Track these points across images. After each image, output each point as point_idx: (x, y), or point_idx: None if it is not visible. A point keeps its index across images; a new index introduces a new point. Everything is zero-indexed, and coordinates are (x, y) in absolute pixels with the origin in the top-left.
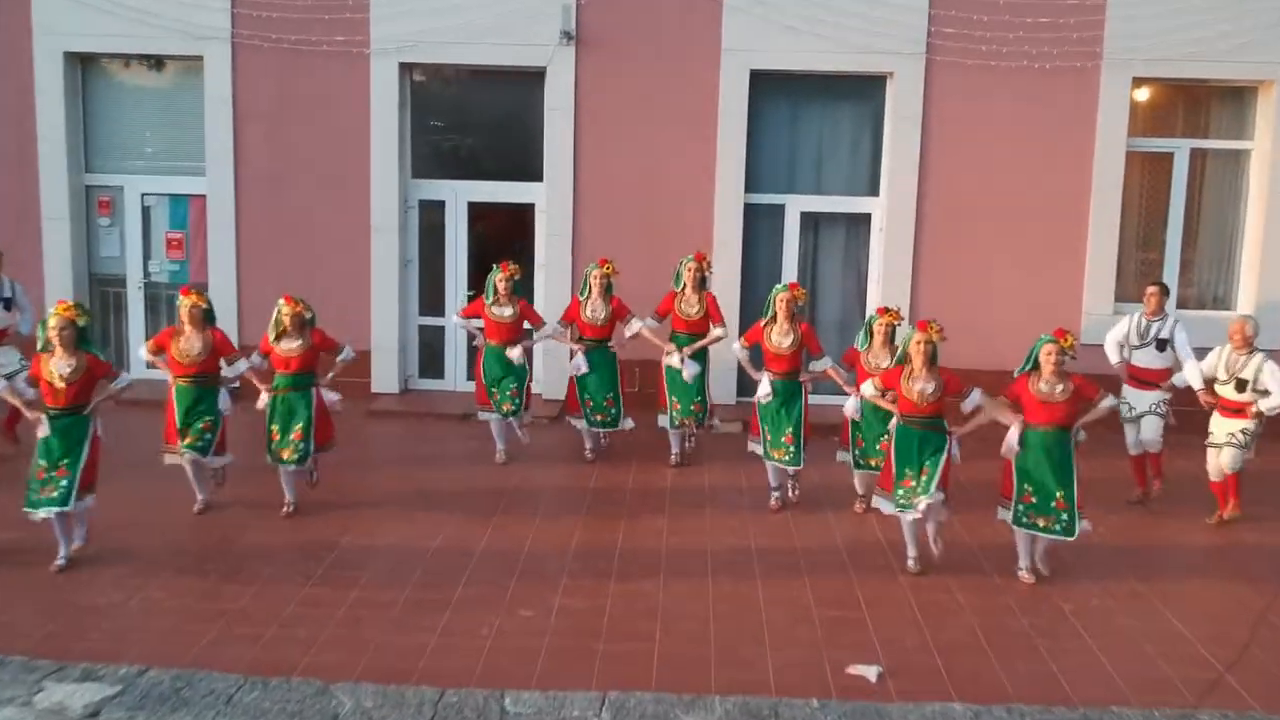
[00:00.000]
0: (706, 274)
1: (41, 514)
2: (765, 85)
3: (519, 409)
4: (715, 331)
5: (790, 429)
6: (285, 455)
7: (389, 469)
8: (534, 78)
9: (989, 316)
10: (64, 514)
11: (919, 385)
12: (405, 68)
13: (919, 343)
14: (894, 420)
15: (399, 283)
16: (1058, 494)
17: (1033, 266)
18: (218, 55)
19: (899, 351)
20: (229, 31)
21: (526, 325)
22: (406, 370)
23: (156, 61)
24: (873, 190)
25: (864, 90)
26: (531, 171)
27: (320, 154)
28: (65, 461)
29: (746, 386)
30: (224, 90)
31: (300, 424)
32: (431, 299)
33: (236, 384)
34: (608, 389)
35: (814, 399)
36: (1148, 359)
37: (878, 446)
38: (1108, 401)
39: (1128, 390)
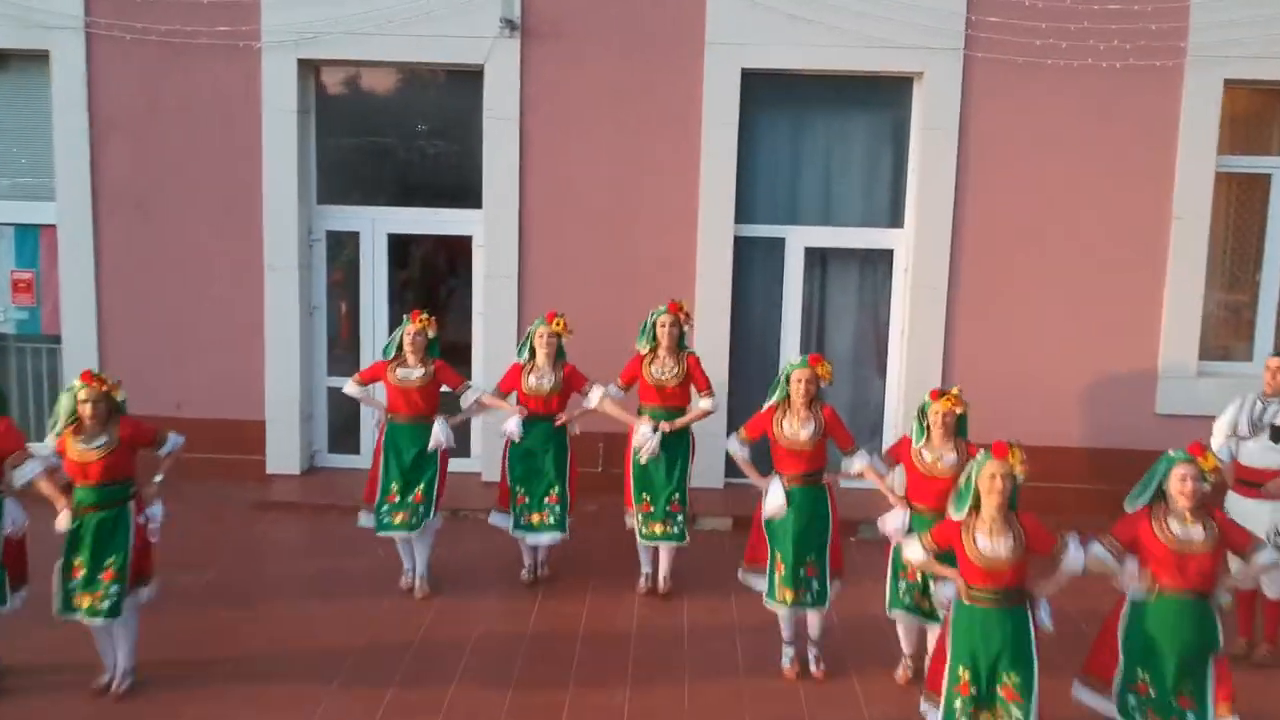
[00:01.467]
0: (685, 329)
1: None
2: (761, 88)
3: (422, 517)
4: (701, 404)
5: (813, 556)
6: (88, 603)
7: (263, 602)
8: (469, 78)
9: (1040, 379)
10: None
11: (992, 543)
12: (306, 65)
13: (994, 476)
14: (946, 585)
15: (301, 334)
16: (1184, 689)
17: (1097, 315)
18: (68, 49)
19: (965, 482)
20: (82, 20)
21: (444, 389)
22: (312, 444)
23: None
24: (895, 220)
25: (885, 95)
26: (467, 195)
27: (199, 173)
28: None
29: (737, 467)
30: (76, 94)
31: (113, 558)
32: (344, 355)
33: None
34: (551, 479)
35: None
36: (1262, 455)
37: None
38: (1267, 556)
39: (1233, 499)
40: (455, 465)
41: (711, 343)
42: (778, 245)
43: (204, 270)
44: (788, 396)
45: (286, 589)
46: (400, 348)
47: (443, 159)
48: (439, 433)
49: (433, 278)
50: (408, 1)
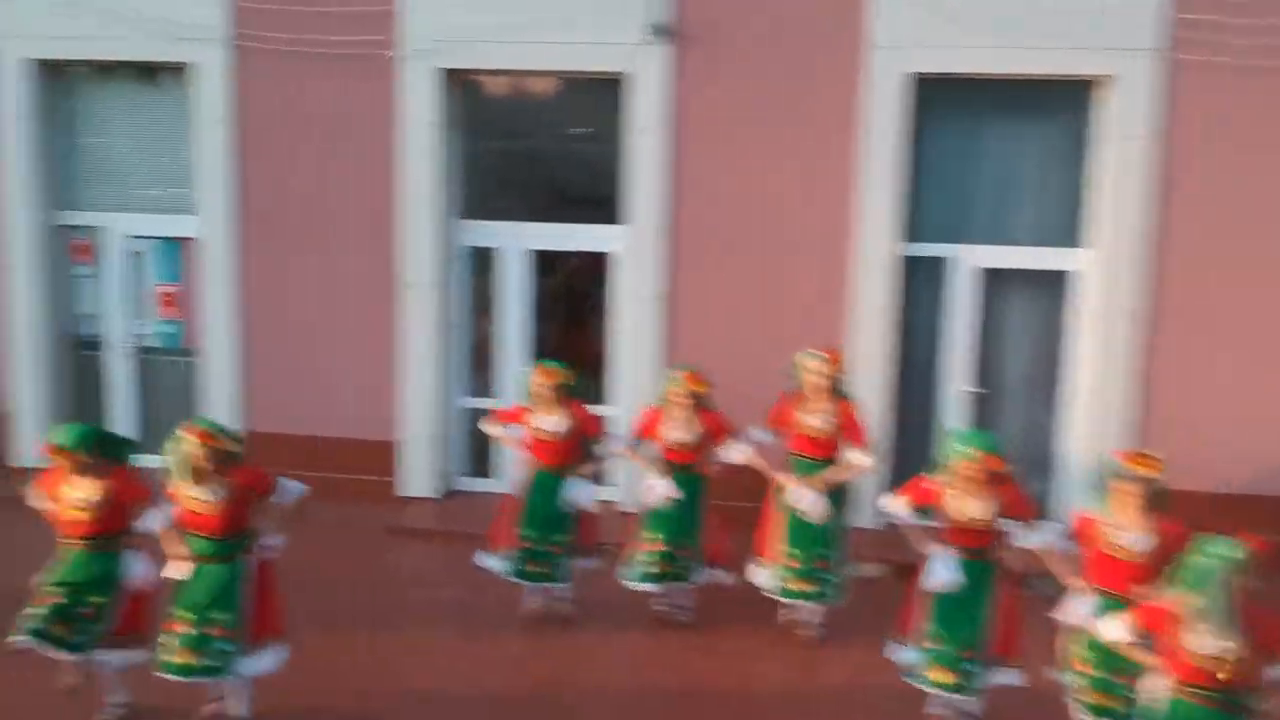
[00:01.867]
0: (838, 377)
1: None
2: (929, 95)
3: (565, 572)
4: (854, 458)
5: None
6: (190, 661)
7: (388, 638)
8: (614, 86)
9: (1261, 432)
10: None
11: (1216, 644)
12: (446, 75)
13: (1227, 564)
14: (1151, 678)
15: (438, 353)
16: None
17: None
18: (210, 61)
19: (1189, 577)
20: (224, 31)
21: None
22: (448, 467)
23: (141, 70)
24: (1078, 239)
25: (1069, 101)
26: (611, 210)
27: (338, 187)
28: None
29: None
30: (218, 106)
31: (225, 615)
32: (482, 375)
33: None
34: (686, 529)
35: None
36: None
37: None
38: None
39: None
40: None
41: (866, 371)
42: (943, 266)
43: (341, 286)
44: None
45: (414, 623)
46: (537, 393)
47: (586, 172)
48: (577, 495)
49: (574, 295)
50: (550, 7)
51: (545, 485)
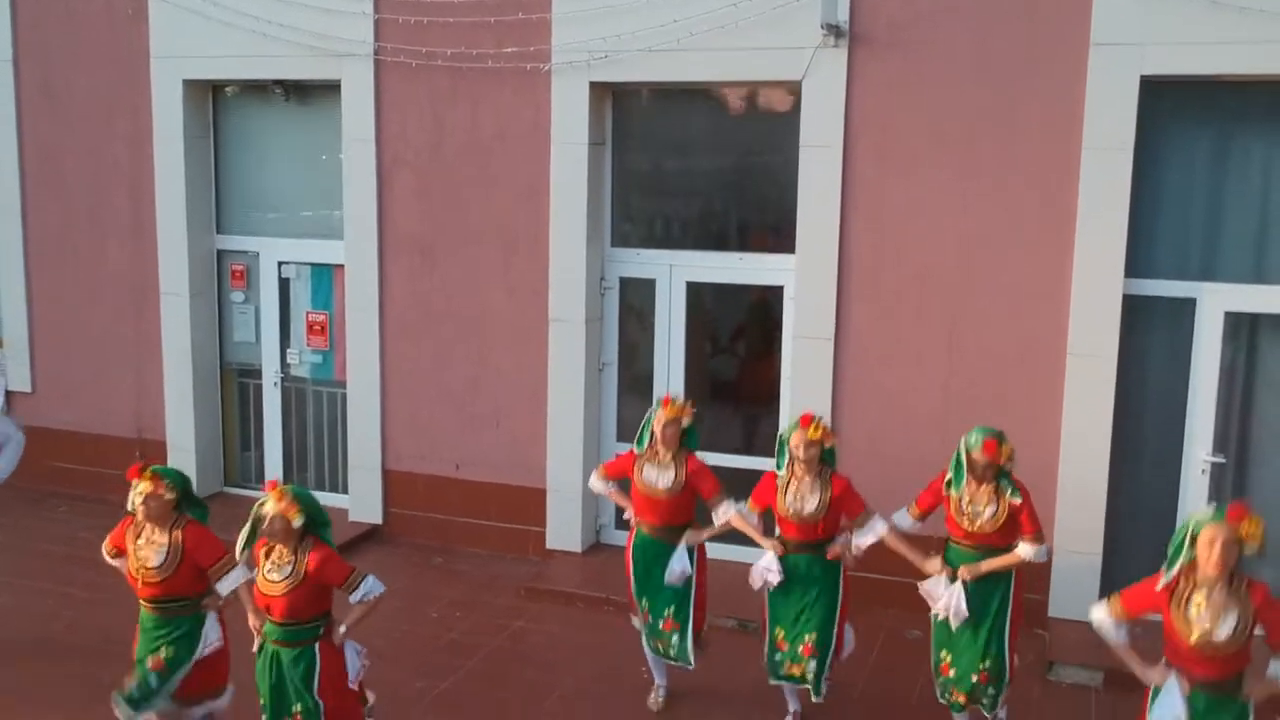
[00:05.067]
0: (1006, 464)
1: None
2: (1165, 100)
3: (679, 649)
4: (1021, 549)
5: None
6: None
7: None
8: (785, 100)
9: None
10: None
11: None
12: (599, 89)
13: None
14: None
15: (586, 395)
16: None
17: None
18: (357, 78)
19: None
20: (371, 46)
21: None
22: (598, 518)
23: (292, 89)
24: None
25: None
26: (780, 239)
27: (484, 213)
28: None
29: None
30: (365, 126)
31: (298, 706)
32: (631, 419)
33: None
34: (819, 619)
35: None
36: None
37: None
38: None
39: None
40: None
41: (1087, 434)
42: (1186, 308)
43: (486, 320)
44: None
45: (529, 713)
46: (652, 437)
47: (753, 196)
48: (676, 567)
49: (737, 332)
50: (713, 9)
51: (653, 549)
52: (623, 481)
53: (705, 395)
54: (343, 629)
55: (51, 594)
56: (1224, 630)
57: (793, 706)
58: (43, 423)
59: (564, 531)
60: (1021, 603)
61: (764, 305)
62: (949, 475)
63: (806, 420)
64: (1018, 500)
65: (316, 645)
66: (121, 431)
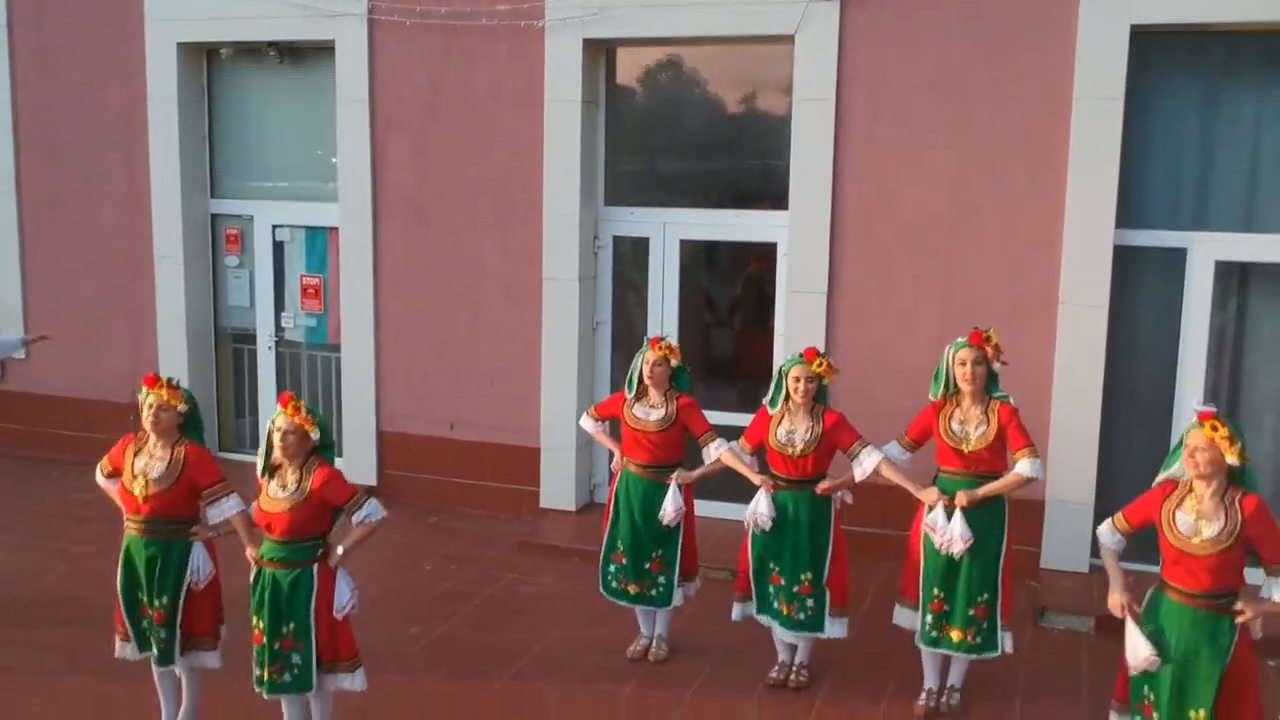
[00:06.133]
0: (995, 367)
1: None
2: (1156, 50)
3: (665, 593)
4: (1020, 467)
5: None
6: (267, 675)
7: (484, 675)
8: (777, 54)
9: None
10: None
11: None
12: (592, 46)
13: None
14: None
15: (580, 354)
16: None
17: None
18: (351, 38)
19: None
20: (365, 5)
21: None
22: (592, 477)
23: (286, 51)
24: None
25: None
26: (773, 195)
27: (477, 173)
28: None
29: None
30: (359, 87)
31: (292, 625)
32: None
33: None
34: (807, 561)
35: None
36: None
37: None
38: None
39: None
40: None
41: (1079, 384)
42: (1176, 258)
43: (480, 281)
44: None
45: (518, 658)
46: (642, 380)
47: (746, 152)
48: (670, 506)
49: (731, 289)
50: None
51: (641, 488)
52: (613, 422)
53: (700, 353)
54: (340, 550)
55: (42, 549)
56: (1208, 533)
57: (782, 657)
58: (36, 388)
59: (558, 490)
60: (1012, 555)
61: (758, 261)
62: (941, 397)
63: (811, 354)
64: (1010, 403)
65: (314, 567)
66: (115, 396)
